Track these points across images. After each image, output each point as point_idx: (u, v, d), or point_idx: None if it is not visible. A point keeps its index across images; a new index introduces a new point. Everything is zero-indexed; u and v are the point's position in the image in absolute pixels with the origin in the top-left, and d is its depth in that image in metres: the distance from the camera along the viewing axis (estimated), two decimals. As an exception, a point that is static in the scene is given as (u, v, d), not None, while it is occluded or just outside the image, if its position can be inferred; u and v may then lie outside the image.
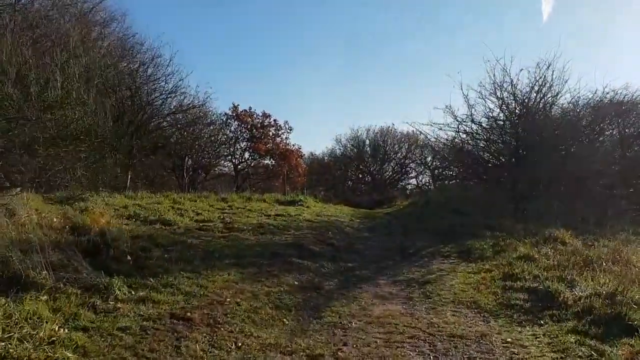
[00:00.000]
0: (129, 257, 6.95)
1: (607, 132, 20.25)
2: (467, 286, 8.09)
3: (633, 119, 20.54)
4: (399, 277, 8.97)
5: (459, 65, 29.27)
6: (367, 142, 46.36)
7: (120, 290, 5.77)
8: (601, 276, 7.96)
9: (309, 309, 6.44)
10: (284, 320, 5.89)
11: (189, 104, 22.25)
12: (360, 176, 48.79)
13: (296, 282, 7.45)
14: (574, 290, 7.26)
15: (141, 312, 5.51)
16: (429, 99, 62.64)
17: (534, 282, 7.88)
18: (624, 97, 18.65)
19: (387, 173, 46.86)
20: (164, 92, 21.78)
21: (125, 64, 21.08)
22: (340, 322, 6.06)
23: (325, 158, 48.70)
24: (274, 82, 71.51)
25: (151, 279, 6.40)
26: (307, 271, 8.32)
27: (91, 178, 13.48)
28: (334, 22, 72.65)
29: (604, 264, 9.03)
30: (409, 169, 46.96)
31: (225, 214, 13.72)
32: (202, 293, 6.34)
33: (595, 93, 17.47)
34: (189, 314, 5.58)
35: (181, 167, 23.99)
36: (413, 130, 41.27)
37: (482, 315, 6.68)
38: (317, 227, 13.18)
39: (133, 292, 5.90)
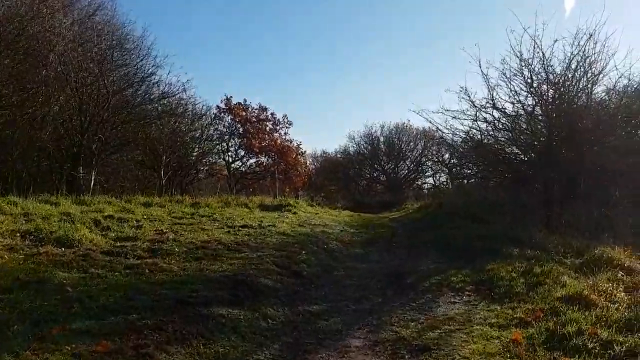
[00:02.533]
0: None
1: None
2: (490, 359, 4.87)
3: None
4: (384, 333, 5.78)
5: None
6: (382, 139, 43.69)
7: None
8: None
9: None
10: None
11: (164, 92, 19.29)
12: (375, 175, 46.12)
13: (181, 371, 4.29)
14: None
15: None
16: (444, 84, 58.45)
17: (602, 356, 4.64)
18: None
19: (403, 172, 44.26)
20: (135, 79, 18.95)
21: (89, 46, 18.25)
22: None
23: (338, 156, 46.10)
24: (285, 81, 69.31)
25: None
26: (230, 333, 5.14)
27: None
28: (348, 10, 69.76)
29: None
30: (425, 167, 44.05)
31: (175, 226, 10.75)
32: None
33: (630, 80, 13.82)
34: None
35: (159, 166, 21.00)
36: (429, 126, 38.09)
37: None
38: (290, 243, 10.06)
39: None
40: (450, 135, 16.14)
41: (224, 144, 26.80)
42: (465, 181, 27.82)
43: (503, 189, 16.89)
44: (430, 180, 44.62)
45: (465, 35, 64.06)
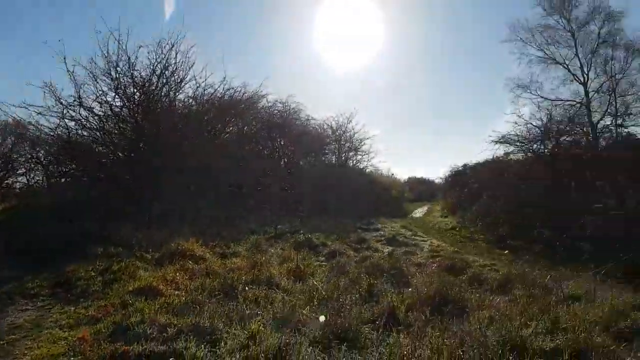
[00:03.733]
0: None
1: (229, 129, 19.80)
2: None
3: (251, 118, 21.01)
4: None
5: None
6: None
7: None
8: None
9: None
10: None
11: None
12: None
13: None
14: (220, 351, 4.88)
15: None
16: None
17: (162, 341, 5.19)
18: (242, 96, 18.37)
19: (-12, 170, 38.35)
20: None
21: None
22: None
23: None
24: None
25: None
26: None
27: None
28: None
29: (247, 288, 7.15)
30: (17, 164, 39.38)
31: None
32: None
33: (216, 89, 16.20)
34: None
35: None
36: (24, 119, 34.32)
37: None
38: None
39: None
40: (37, 132, 15.05)
41: None
42: (63, 180, 26.34)
43: (96, 188, 16.76)
44: (23, 179, 40.23)
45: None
